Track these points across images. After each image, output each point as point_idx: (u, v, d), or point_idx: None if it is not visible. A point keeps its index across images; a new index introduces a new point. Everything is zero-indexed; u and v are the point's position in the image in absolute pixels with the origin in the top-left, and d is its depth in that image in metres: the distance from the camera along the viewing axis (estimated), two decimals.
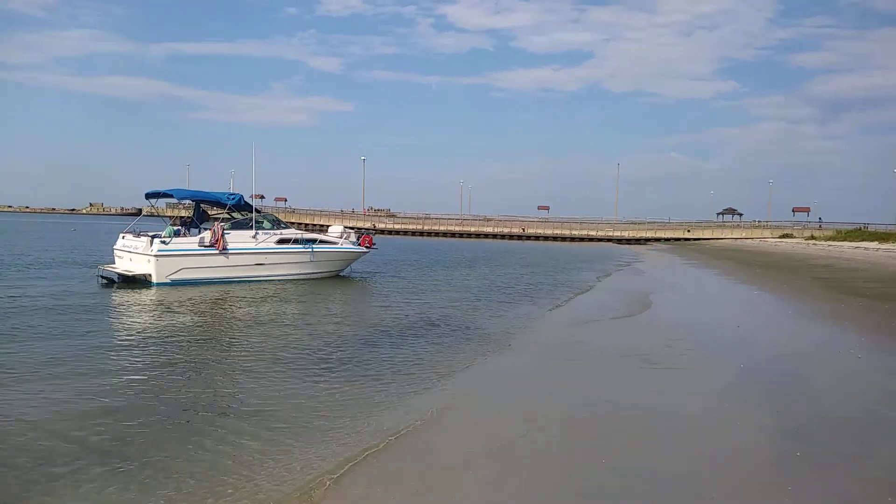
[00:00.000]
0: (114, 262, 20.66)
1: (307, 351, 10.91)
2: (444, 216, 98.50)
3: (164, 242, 18.98)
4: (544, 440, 6.62)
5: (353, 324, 14.25)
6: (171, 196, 21.94)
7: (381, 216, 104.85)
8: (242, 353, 10.77)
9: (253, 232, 21.21)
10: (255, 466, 5.79)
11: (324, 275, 23.60)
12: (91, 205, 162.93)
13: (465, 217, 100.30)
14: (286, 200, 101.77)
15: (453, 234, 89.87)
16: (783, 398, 8.42)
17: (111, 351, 10.43)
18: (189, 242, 19.81)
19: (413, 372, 9.62)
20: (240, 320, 14.56)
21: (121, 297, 16.98)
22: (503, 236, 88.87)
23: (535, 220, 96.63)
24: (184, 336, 12.22)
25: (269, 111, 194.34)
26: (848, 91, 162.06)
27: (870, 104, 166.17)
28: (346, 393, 8.31)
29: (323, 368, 9.64)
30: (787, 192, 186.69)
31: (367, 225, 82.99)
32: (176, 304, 15.93)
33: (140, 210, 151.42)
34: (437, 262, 35.49)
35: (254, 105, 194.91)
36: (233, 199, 21.62)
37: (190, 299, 16.76)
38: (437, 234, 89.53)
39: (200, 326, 13.60)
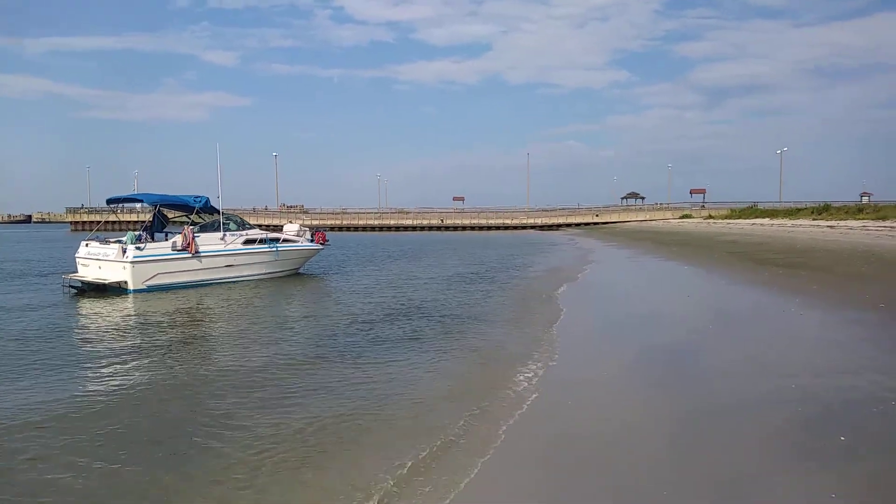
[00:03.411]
0: (76, 271, 20.38)
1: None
2: (361, 210, 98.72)
3: (139, 248, 19.03)
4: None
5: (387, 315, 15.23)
6: (139, 201, 21.76)
7: (295, 212, 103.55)
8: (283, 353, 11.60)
9: (221, 234, 21.53)
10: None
11: (286, 273, 24.20)
12: None
13: (384, 210, 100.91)
14: None
15: (372, 229, 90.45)
16: (755, 342, 10.38)
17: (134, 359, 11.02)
18: (162, 247, 19.90)
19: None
20: (247, 321, 15.20)
21: (100, 305, 16.99)
22: (422, 228, 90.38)
23: (453, 211, 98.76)
24: (215, 342, 12.86)
25: (162, 108, 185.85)
26: (729, 78, 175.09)
27: (749, 90, 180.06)
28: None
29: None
30: (681, 175, 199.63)
31: (284, 221, 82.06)
32: (172, 310, 16.30)
33: (30, 216, 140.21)
34: (377, 257, 36.38)
35: (146, 102, 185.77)
36: (199, 201, 21.78)
37: (181, 304, 17.13)
38: (355, 228, 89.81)
39: (219, 331, 14.21)
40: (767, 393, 7.78)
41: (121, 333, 13.00)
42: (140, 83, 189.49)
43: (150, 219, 22.32)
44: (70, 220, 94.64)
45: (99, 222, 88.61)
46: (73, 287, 19.57)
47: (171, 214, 23.54)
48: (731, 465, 5.70)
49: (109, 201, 22.35)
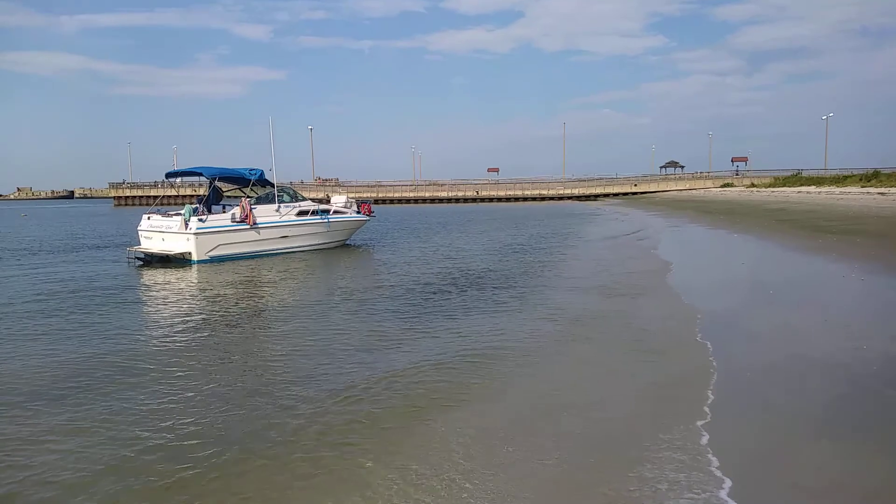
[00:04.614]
0: (139, 244, 21.18)
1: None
2: (397, 183, 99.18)
3: (201, 220, 19.71)
4: None
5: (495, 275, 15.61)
6: (199, 174, 22.40)
7: (331, 185, 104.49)
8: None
9: (276, 206, 22.10)
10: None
11: (336, 244, 24.75)
12: (19, 189, 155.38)
13: (419, 183, 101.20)
14: None
15: (408, 201, 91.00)
16: (822, 307, 10.46)
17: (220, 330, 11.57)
18: (222, 219, 20.55)
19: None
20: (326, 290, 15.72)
21: (167, 275, 17.73)
22: (458, 200, 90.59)
23: (488, 182, 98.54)
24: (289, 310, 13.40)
25: (196, 83, 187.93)
26: (770, 42, 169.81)
27: (791, 54, 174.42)
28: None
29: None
30: (722, 143, 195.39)
31: (322, 195, 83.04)
32: (239, 280, 16.94)
33: (72, 192, 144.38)
34: (418, 229, 36.78)
35: (180, 78, 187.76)
36: (255, 174, 22.34)
37: (246, 274, 17.78)
38: (391, 201, 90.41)
39: (291, 298, 14.78)
40: (841, 353, 7.92)
41: (205, 300, 13.64)
42: (173, 59, 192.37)
43: (207, 192, 22.95)
44: (113, 195, 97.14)
45: (141, 197, 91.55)
46: (137, 258, 20.39)
47: (225, 188, 24.16)
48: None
49: (169, 175, 23.06)
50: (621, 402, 6.53)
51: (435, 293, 13.56)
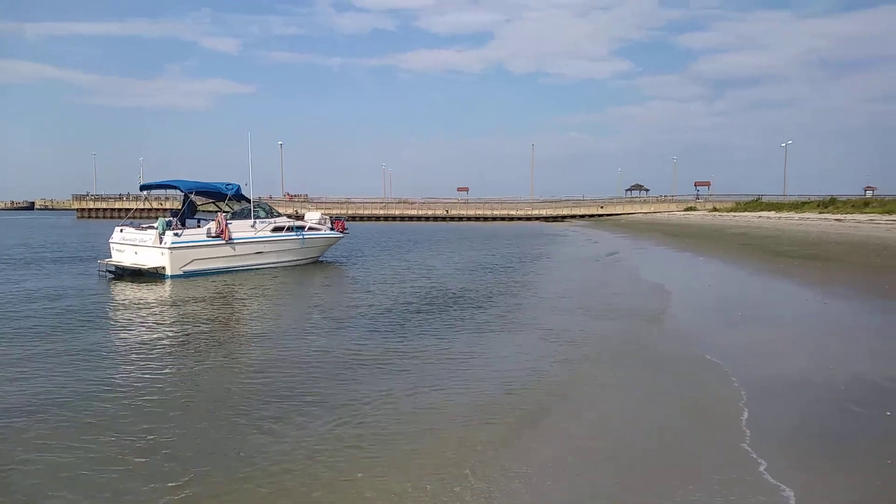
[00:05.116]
0: (110, 257, 20.88)
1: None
2: (367, 200, 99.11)
3: (176, 235, 19.55)
4: None
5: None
6: (174, 188, 22.20)
7: (300, 201, 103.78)
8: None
9: (251, 221, 22.03)
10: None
11: (309, 261, 24.73)
12: None
13: (389, 201, 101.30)
14: None
15: (377, 218, 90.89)
16: (790, 329, 10.95)
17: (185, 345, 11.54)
18: (198, 234, 20.40)
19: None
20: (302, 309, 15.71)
21: (141, 290, 17.50)
22: (427, 218, 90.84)
23: (457, 201, 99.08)
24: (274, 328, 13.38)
25: (165, 95, 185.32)
26: (732, 70, 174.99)
27: (752, 82, 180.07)
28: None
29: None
30: (686, 167, 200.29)
31: (291, 211, 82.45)
32: (211, 296, 16.84)
33: (33, 203, 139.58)
34: (390, 247, 36.91)
35: (148, 89, 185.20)
36: (231, 188, 22.27)
37: (219, 290, 17.67)
38: (360, 218, 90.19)
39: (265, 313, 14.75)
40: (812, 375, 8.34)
41: (176, 318, 13.55)
42: (142, 70, 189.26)
43: (181, 206, 22.76)
44: (76, 206, 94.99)
45: (105, 209, 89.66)
46: (109, 272, 20.09)
47: (200, 202, 23.99)
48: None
49: (143, 187, 22.82)
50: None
51: (418, 312, 13.70)
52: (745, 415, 6.77)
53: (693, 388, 7.96)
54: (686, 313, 13.62)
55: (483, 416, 6.84)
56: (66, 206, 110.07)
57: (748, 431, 6.28)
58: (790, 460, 5.68)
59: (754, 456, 5.70)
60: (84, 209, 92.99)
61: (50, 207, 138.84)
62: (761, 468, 5.43)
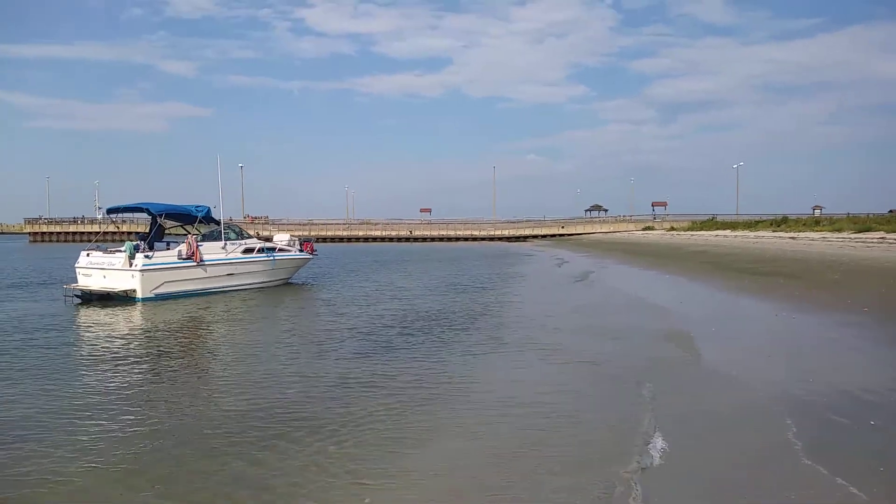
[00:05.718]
0: (76, 281, 20.37)
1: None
2: (329, 221, 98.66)
3: (147, 257, 19.23)
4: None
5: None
6: (143, 211, 21.86)
7: (261, 223, 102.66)
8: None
9: (222, 243, 21.82)
10: None
11: (279, 282, 24.56)
12: None
13: (352, 222, 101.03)
14: None
15: (340, 240, 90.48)
16: (762, 343, 11.41)
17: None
18: (169, 256, 20.11)
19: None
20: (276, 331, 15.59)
21: (112, 315, 17.13)
22: (391, 239, 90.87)
23: (421, 222, 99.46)
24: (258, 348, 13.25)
25: (118, 118, 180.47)
26: (683, 94, 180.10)
27: (702, 106, 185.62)
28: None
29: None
30: (642, 187, 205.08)
31: (252, 232, 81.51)
32: (185, 319, 16.58)
33: None
34: (357, 268, 36.84)
35: (101, 112, 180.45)
36: (201, 211, 22.04)
37: (192, 313, 17.40)
38: (323, 239, 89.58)
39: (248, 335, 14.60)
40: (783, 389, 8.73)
41: (150, 342, 13.32)
42: (94, 93, 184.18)
43: (149, 229, 22.43)
44: (28, 230, 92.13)
45: (60, 233, 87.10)
46: (76, 296, 19.60)
47: (169, 225, 23.66)
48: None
49: (110, 210, 22.39)
50: None
51: (401, 335, 13.78)
52: None
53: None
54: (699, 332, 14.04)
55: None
56: (17, 229, 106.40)
57: None
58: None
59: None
60: (37, 233, 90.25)
61: (1, 232, 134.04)
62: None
